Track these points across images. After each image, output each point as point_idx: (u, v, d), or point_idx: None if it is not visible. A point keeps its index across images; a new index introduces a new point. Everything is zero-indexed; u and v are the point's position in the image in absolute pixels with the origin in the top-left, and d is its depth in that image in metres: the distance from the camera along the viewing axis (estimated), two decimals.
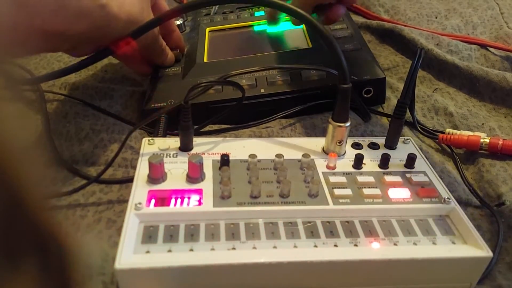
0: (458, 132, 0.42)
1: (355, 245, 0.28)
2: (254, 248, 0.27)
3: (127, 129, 0.41)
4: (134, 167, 0.32)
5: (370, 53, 0.46)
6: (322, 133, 0.41)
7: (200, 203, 0.29)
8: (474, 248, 0.28)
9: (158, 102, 0.42)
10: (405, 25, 0.58)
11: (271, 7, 0.35)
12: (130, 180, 0.31)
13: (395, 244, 0.28)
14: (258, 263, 0.26)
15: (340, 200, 0.30)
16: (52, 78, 0.44)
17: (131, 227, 0.27)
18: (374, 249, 0.27)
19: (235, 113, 0.38)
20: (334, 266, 0.27)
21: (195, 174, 0.31)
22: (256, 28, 0.52)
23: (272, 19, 0.49)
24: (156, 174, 0.30)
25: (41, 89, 0.44)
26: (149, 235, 0.27)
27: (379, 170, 0.34)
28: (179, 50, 0.48)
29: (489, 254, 0.27)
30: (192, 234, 0.27)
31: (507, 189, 0.37)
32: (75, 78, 0.48)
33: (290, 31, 0.50)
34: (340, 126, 0.33)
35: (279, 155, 0.33)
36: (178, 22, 0.51)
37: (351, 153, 0.35)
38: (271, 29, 0.51)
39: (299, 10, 0.33)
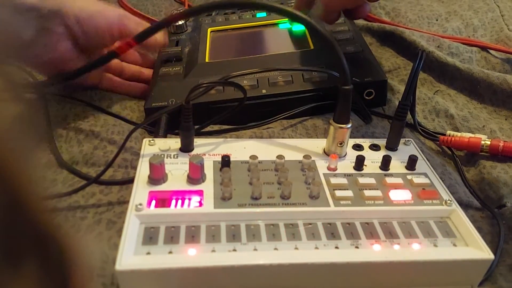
0: (459, 134, 0.42)
1: (356, 247, 0.27)
2: (255, 249, 0.27)
3: (127, 130, 0.41)
4: (134, 168, 0.32)
5: (371, 55, 0.46)
6: (323, 134, 0.41)
7: (200, 204, 0.29)
8: (475, 250, 0.28)
9: (159, 101, 0.42)
10: (406, 28, 0.58)
11: (272, 11, 0.35)
12: (130, 181, 0.31)
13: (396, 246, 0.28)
14: (259, 264, 0.26)
15: (341, 202, 0.30)
16: (56, 83, 0.44)
17: (132, 228, 0.27)
18: (375, 251, 0.27)
19: (236, 113, 0.38)
20: (335, 268, 0.26)
21: (196, 175, 0.30)
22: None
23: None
24: (157, 175, 0.30)
25: (42, 90, 0.44)
26: (149, 236, 0.27)
27: (380, 171, 0.33)
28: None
29: (490, 256, 0.27)
30: (192, 236, 0.27)
31: (508, 191, 0.37)
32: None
33: (292, 32, 0.50)
34: (341, 128, 0.33)
35: (280, 156, 0.33)
36: (179, 22, 0.51)
37: (352, 154, 0.35)
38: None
39: (300, 14, 0.33)
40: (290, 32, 0.50)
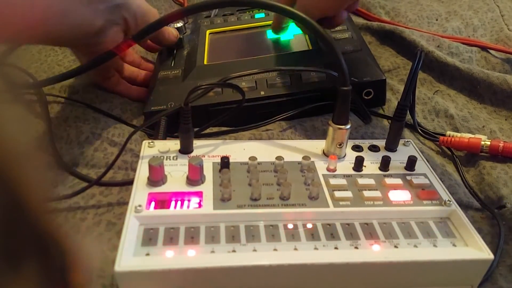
0: (458, 134, 0.42)
1: (356, 247, 0.27)
2: (255, 250, 0.27)
3: (127, 132, 0.41)
4: (134, 170, 0.32)
5: (370, 55, 0.46)
6: (323, 135, 0.41)
7: (200, 205, 0.29)
8: (475, 251, 0.28)
9: (158, 104, 0.42)
10: (406, 27, 0.58)
11: (271, 10, 0.35)
12: (130, 182, 0.31)
13: (395, 247, 0.28)
14: (259, 265, 0.26)
15: (341, 203, 0.30)
16: (55, 82, 0.44)
17: (131, 229, 0.27)
18: (375, 252, 0.27)
19: (235, 115, 0.38)
20: (335, 268, 0.27)
21: (195, 176, 0.31)
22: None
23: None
24: (156, 177, 0.30)
25: (42, 92, 0.44)
26: (149, 238, 0.27)
27: (380, 172, 0.33)
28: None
29: (490, 256, 0.27)
30: (192, 237, 0.27)
31: (508, 191, 0.37)
32: (74, 81, 0.48)
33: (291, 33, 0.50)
34: (340, 129, 0.33)
35: (279, 158, 0.33)
36: (178, 25, 0.51)
37: (351, 155, 0.35)
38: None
39: (299, 13, 0.33)
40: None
